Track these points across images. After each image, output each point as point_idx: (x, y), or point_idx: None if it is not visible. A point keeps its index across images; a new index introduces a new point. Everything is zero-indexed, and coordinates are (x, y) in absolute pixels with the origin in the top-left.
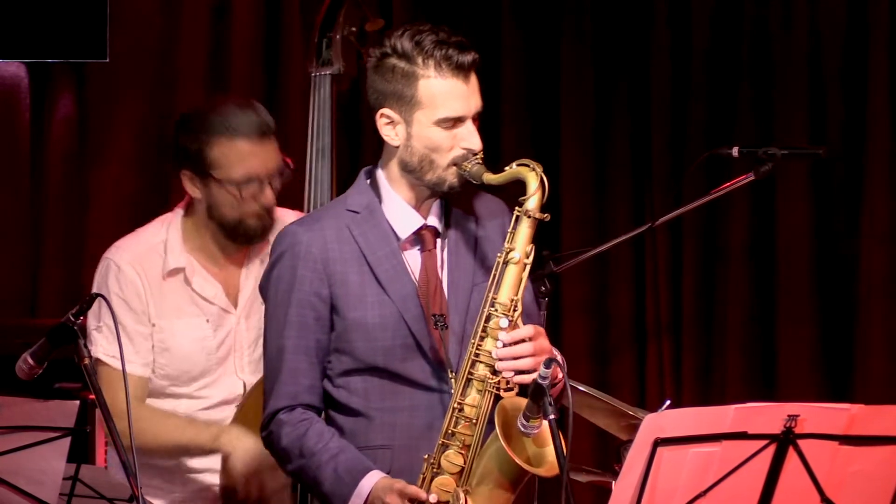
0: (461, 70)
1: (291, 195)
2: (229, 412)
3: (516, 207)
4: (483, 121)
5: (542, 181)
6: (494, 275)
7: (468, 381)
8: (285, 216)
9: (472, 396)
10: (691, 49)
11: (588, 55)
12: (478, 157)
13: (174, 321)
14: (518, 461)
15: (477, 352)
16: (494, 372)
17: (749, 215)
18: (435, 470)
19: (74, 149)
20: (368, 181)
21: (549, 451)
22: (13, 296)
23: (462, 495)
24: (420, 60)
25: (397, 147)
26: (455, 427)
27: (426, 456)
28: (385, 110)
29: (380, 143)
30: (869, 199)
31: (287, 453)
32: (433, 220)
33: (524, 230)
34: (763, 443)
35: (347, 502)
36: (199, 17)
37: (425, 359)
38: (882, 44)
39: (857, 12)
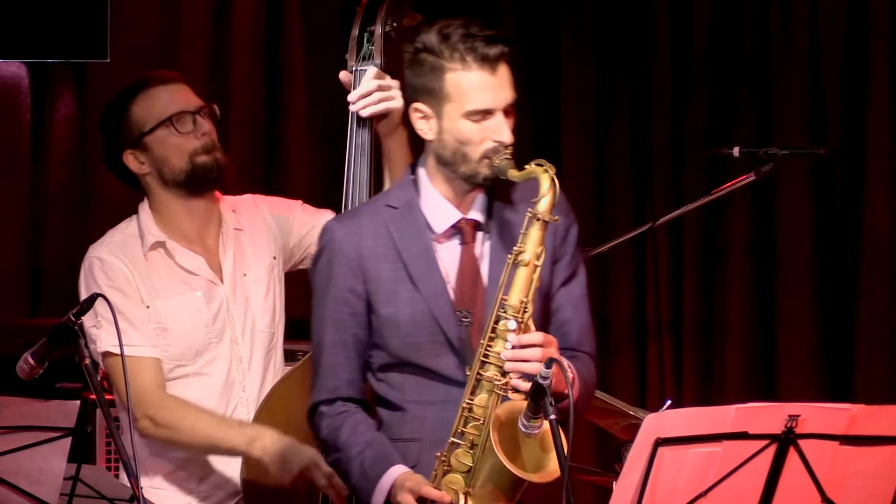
0: (487, 62)
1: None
2: (235, 394)
3: (528, 209)
4: None
5: (553, 183)
6: (504, 276)
7: (478, 381)
8: (262, 202)
9: (481, 396)
10: (691, 48)
11: (589, 55)
12: (507, 150)
13: (167, 300)
14: (515, 470)
15: (486, 353)
16: (503, 373)
17: (749, 215)
18: (446, 468)
19: (75, 149)
20: (411, 177)
21: (551, 455)
22: (13, 296)
23: (462, 497)
24: (447, 54)
25: (432, 141)
26: (464, 426)
27: (438, 454)
28: (417, 104)
29: (418, 137)
30: (869, 199)
31: (325, 445)
32: (475, 214)
33: (535, 232)
34: (764, 443)
35: (372, 496)
36: (199, 17)
37: (456, 355)
38: (882, 44)
39: (857, 12)
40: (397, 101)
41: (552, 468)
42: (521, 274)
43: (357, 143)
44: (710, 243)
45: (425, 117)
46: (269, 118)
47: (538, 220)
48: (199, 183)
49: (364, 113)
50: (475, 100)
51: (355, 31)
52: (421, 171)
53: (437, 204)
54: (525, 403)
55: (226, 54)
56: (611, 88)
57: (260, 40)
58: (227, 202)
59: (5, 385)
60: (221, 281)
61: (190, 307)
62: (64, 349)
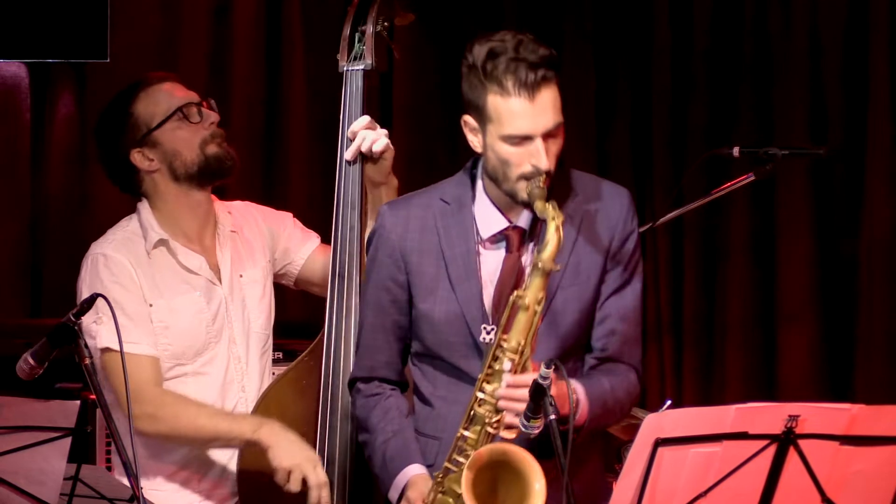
0: (526, 88)
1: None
2: (233, 394)
3: (534, 254)
4: None
5: (558, 232)
6: (505, 316)
7: (473, 415)
8: (255, 210)
9: (474, 429)
10: (692, 49)
11: (589, 55)
12: (542, 178)
13: (170, 299)
14: None
15: (483, 388)
16: (496, 411)
17: (749, 215)
18: (440, 490)
19: (75, 149)
20: (470, 172)
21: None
22: (13, 296)
23: None
24: (489, 74)
25: (481, 153)
26: (458, 455)
27: (436, 474)
28: (467, 117)
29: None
30: (869, 199)
31: (359, 423)
32: (523, 221)
33: (537, 279)
34: (764, 443)
35: (389, 489)
36: (199, 17)
37: (483, 360)
38: (882, 44)
39: (857, 12)
40: (382, 144)
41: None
42: (522, 317)
43: (349, 144)
44: (710, 243)
45: (474, 130)
46: (269, 118)
47: (538, 268)
48: (213, 173)
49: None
50: (512, 126)
51: (346, 31)
52: (479, 170)
53: (488, 208)
54: (510, 445)
55: (226, 54)
56: (611, 88)
57: (260, 40)
58: (222, 205)
59: (5, 385)
60: (220, 281)
61: (191, 306)
62: (64, 349)
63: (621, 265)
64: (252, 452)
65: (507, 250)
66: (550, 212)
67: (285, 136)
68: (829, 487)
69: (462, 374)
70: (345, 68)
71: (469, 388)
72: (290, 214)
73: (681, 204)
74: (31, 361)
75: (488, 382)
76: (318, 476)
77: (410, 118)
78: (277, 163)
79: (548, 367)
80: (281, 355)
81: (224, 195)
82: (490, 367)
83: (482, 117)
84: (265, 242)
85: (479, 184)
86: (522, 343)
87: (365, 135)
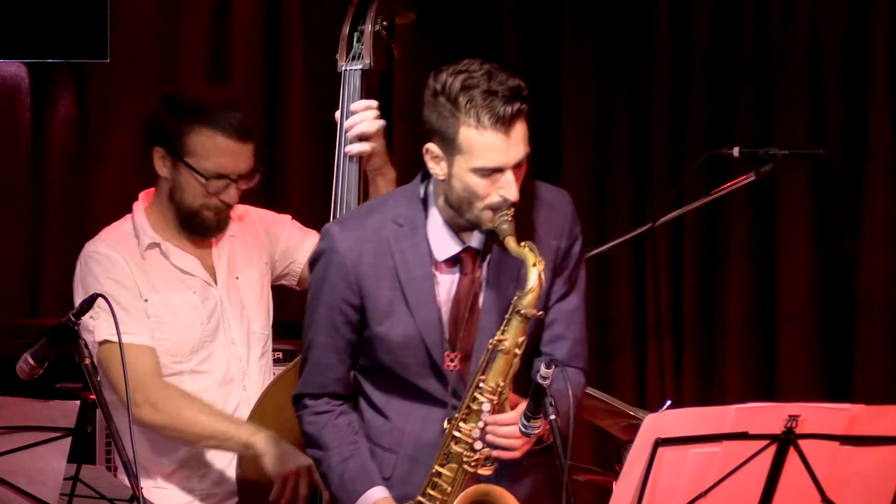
0: (502, 122)
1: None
2: (235, 393)
3: (514, 297)
4: None
5: (539, 279)
6: (484, 359)
7: (449, 453)
8: (253, 213)
9: (451, 466)
10: (692, 49)
11: (589, 55)
12: (509, 212)
13: (165, 296)
14: None
15: (459, 428)
16: (473, 450)
17: (749, 215)
18: None
19: (75, 149)
20: (420, 194)
21: None
22: (13, 296)
23: None
24: (464, 107)
25: (442, 181)
26: (432, 490)
27: None
28: (430, 146)
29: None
30: (869, 199)
31: (308, 439)
32: (475, 241)
33: (517, 324)
34: (764, 443)
35: None
36: (199, 17)
37: (441, 381)
38: (882, 44)
39: (857, 12)
40: (366, 147)
41: None
42: (500, 360)
43: (345, 153)
44: (710, 243)
45: (437, 158)
46: (269, 118)
47: (520, 314)
48: (193, 227)
49: (351, 150)
50: (485, 158)
51: (345, 31)
52: (430, 193)
53: (441, 231)
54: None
55: (226, 54)
56: (611, 88)
57: (260, 40)
58: None
59: (5, 385)
60: (215, 283)
61: (186, 304)
62: (64, 349)
63: (567, 270)
64: (252, 454)
65: (462, 272)
66: (530, 256)
67: (285, 136)
68: (829, 487)
69: (419, 391)
70: (343, 68)
71: (425, 406)
72: (288, 216)
73: (681, 204)
74: (31, 361)
75: (465, 421)
76: (306, 483)
77: (410, 118)
78: (277, 163)
79: (548, 367)
80: (281, 355)
81: None
82: (468, 406)
83: (451, 148)
84: (262, 245)
85: (432, 206)
86: (501, 385)
87: (359, 120)
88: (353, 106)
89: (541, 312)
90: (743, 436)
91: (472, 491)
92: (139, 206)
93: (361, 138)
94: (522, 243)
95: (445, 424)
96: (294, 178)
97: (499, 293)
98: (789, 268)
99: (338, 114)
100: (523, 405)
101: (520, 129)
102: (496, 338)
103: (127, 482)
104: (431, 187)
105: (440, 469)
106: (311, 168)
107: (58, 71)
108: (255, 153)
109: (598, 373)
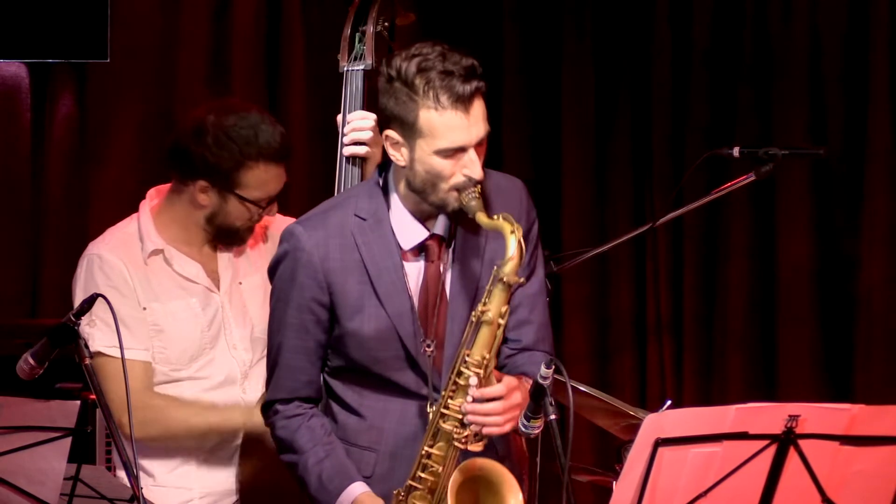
0: (461, 101)
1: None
2: (234, 394)
3: (494, 268)
4: None
5: (520, 246)
6: (468, 333)
7: (437, 430)
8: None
9: (440, 445)
10: (692, 49)
11: (589, 55)
12: (476, 189)
13: (165, 304)
14: None
15: (447, 405)
16: (462, 425)
17: (749, 215)
18: None
19: (75, 149)
20: (380, 184)
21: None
22: (13, 296)
23: None
24: (421, 90)
25: (403, 167)
26: (422, 472)
27: (396, 491)
28: (389, 132)
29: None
30: (869, 199)
31: (281, 444)
32: (439, 228)
33: (499, 293)
34: (764, 443)
35: None
36: (199, 17)
37: (417, 373)
38: (882, 44)
39: (857, 12)
40: (363, 150)
41: None
42: (485, 332)
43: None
44: (710, 243)
45: (397, 144)
46: None
47: (503, 282)
48: (226, 240)
49: (346, 151)
50: (447, 139)
51: (347, 31)
52: (391, 183)
53: (406, 220)
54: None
55: (226, 54)
56: (611, 88)
57: (260, 40)
58: None
59: (5, 385)
60: (218, 288)
61: (186, 311)
62: (64, 349)
63: (527, 254)
64: (253, 451)
65: (428, 259)
66: (506, 226)
67: (286, 135)
68: (829, 487)
69: (393, 385)
70: (345, 68)
71: (401, 400)
72: (291, 219)
73: (681, 204)
74: (31, 361)
75: (452, 398)
76: None
77: None
78: None
79: (548, 366)
80: None
81: None
82: (455, 382)
83: (411, 132)
84: (267, 248)
85: (394, 196)
86: (487, 357)
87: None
88: (350, 116)
89: (522, 279)
90: (743, 436)
91: (466, 466)
92: (146, 208)
93: (357, 143)
94: (495, 216)
95: (428, 409)
96: (294, 178)
97: (465, 278)
98: (789, 268)
99: (339, 116)
100: (508, 379)
101: (479, 107)
102: (479, 309)
103: (127, 482)
104: (391, 176)
105: (429, 449)
106: (311, 168)
107: (58, 71)
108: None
109: (598, 373)
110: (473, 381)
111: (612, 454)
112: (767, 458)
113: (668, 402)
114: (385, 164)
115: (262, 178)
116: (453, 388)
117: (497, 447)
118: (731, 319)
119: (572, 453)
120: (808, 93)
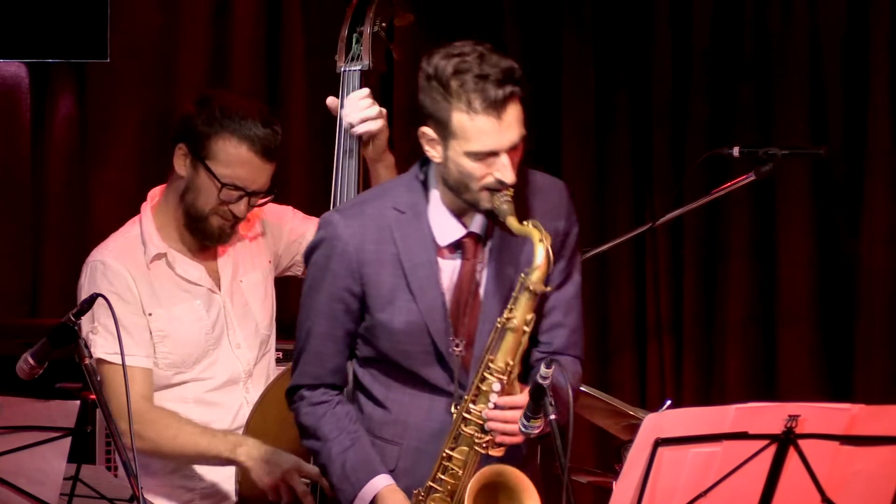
0: (494, 107)
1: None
2: (237, 394)
3: (521, 275)
4: None
5: (547, 255)
6: (492, 338)
7: (459, 434)
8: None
9: (461, 449)
10: (692, 49)
11: (589, 55)
12: (508, 193)
13: (169, 308)
14: None
15: (469, 409)
16: (483, 431)
17: (749, 215)
18: None
19: (75, 149)
20: (420, 178)
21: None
22: (13, 296)
23: None
24: (455, 92)
25: (439, 164)
26: (443, 474)
27: (416, 491)
28: (426, 129)
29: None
30: (869, 199)
31: (305, 430)
32: (476, 226)
33: (525, 301)
34: (764, 443)
35: (352, 500)
36: (199, 17)
37: (445, 369)
38: (882, 44)
39: (857, 12)
40: (378, 124)
41: None
42: (509, 338)
43: (346, 147)
44: (710, 243)
45: (432, 141)
46: None
47: (529, 290)
48: (196, 232)
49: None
50: (478, 142)
51: (344, 32)
52: (431, 178)
53: (444, 216)
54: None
55: (226, 54)
56: (611, 89)
57: (260, 40)
58: None
59: (5, 385)
60: (219, 288)
61: (190, 315)
62: (64, 349)
63: (565, 259)
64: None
65: (464, 257)
66: (535, 233)
67: (285, 136)
68: (829, 487)
69: (421, 380)
70: (342, 69)
71: (428, 395)
72: (289, 208)
73: (681, 204)
74: (31, 361)
75: (474, 403)
76: (299, 486)
77: (410, 118)
78: (277, 162)
79: (548, 366)
80: (281, 355)
81: None
82: (477, 387)
83: (445, 132)
84: (265, 243)
85: (433, 191)
86: (511, 363)
87: (361, 120)
88: (351, 97)
89: (549, 288)
90: (743, 436)
91: (485, 472)
92: (147, 209)
93: (364, 120)
94: (525, 221)
95: (453, 409)
96: (294, 178)
97: (499, 279)
98: (789, 268)
99: (333, 105)
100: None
101: (512, 112)
102: (504, 316)
103: (127, 482)
104: (431, 171)
105: (450, 452)
106: (311, 168)
107: (58, 71)
108: (272, 174)
109: (598, 373)
110: (497, 387)
111: (612, 454)
112: (767, 458)
113: (668, 402)
114: (426, 158)
115: (233, 156)
116: (476, 392)
117: (516, 454)
118: (731, 319)
119: (572, 453)
120: (808, 93)
